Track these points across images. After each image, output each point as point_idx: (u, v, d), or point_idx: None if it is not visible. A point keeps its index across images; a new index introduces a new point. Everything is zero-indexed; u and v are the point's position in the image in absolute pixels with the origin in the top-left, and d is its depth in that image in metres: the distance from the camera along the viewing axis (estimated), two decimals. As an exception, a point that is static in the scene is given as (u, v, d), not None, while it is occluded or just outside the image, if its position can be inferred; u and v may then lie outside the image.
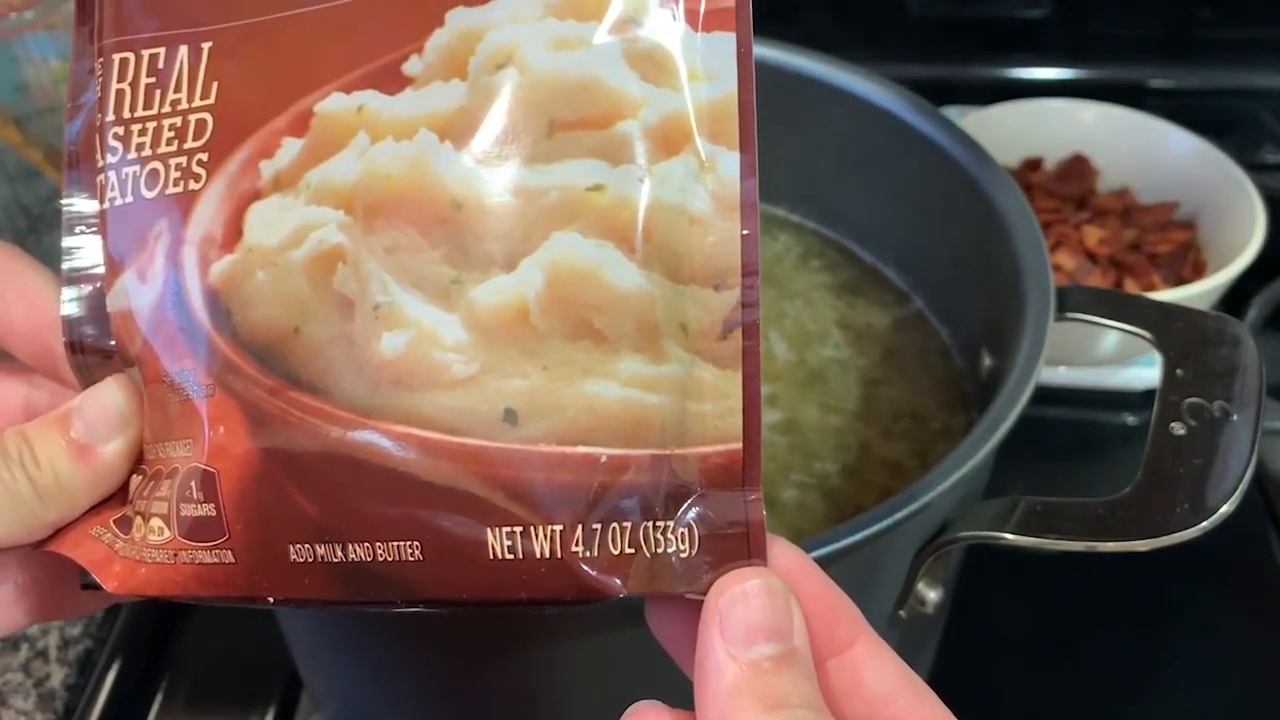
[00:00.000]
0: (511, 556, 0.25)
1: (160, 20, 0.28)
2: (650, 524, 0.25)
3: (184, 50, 0.28)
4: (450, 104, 0.25)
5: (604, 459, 0.24)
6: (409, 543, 0.25)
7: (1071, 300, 0.47)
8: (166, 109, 0.28)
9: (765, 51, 0.61)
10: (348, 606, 0.26)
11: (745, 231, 0.24)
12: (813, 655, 0.24)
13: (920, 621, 0.45)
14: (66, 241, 0.29)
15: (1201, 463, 0.39)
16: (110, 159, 0.28)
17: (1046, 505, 0.39)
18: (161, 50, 0.28)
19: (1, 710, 0.55)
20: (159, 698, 0.60)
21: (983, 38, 0.96)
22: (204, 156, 0.27)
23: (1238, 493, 0.37)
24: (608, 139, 0.25)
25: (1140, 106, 0.80)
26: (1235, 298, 0.72)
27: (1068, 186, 0.79)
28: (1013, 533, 0.39)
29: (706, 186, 0.24)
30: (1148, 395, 0.64)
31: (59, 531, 0.29)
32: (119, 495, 0.29)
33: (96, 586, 0.28)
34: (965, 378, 0.58)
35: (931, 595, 0.43)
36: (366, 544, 0.25)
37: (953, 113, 0.68)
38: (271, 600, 0.26)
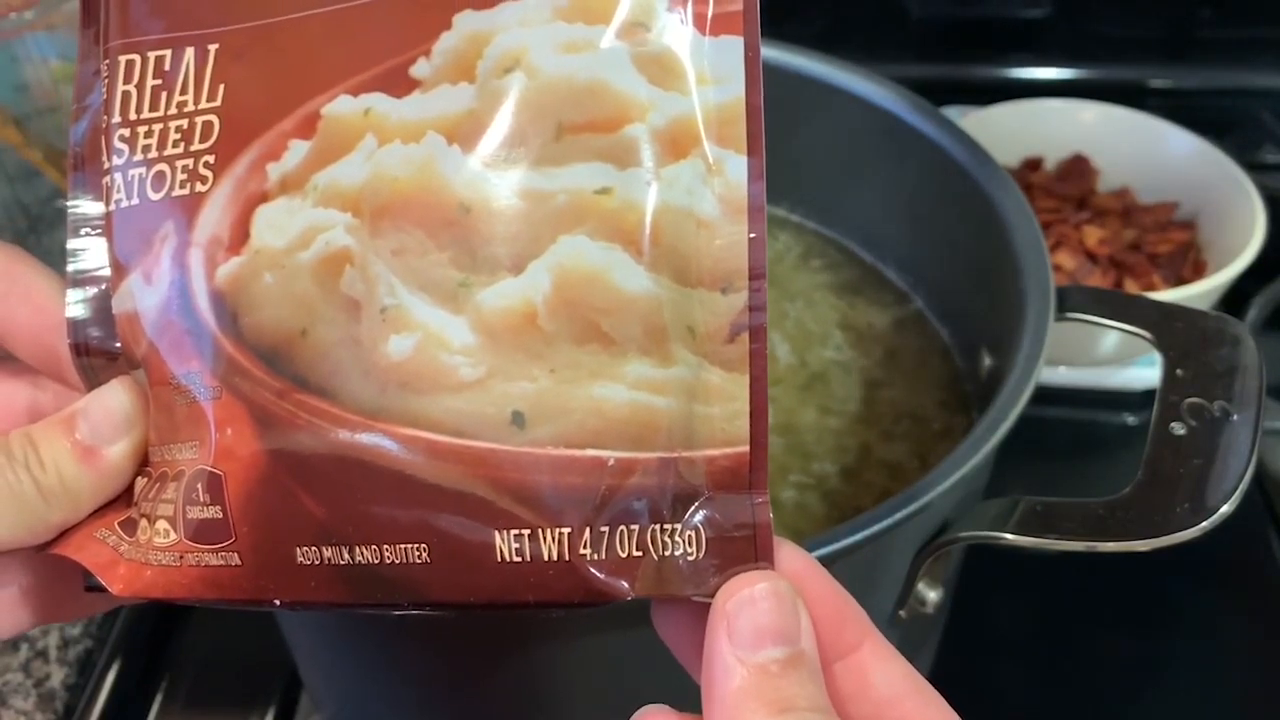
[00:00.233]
0: (519, 559, 0.25)
1: (166, 22, 0.28)
2: (658, 527, 0.25)
3: (190, 52, 0.28)
4: (458, 107, 0.25)
5: (611, 462, 0.24)
6: (416, 545, 0.25)
7: (1071, 300, 0.47)
8: (173, 111, 0.28)
9: (765, 52, 0.60)
10: (354, 609, 0.26)
11: (753, 235, 0.24)
12: (820, 658, 0.24)
13: (920, 621, 0.45)
14: (71, 243, 0.29)
15: (1201, 463, 0.39)
16: (116, 161, 0.28)
17: (1046, 505, 0.39)
18: (168, 52, 0.28)
19: (1, 710, 0.55)
20: (159, 698, 0.60)
21: (983, 38, 0.96)
22: (211, 159, 0.27)
23: (1238, 493, 0.38)
24: (615, 142, 0.25)
25: (1140, 106, 0.80)
26: (1235, 298, 0.72)
27: (1068, 186, 0.79)
28: (1013, 533, 0.39)
29: (714, 190, 0.24)
30: (1148, 395, 0.64)
31: (64, 534, 0.28)
32: (124, 498, 0.29)
33: (101, 589, 0.28)
34: (965, 378, 0.58)
35: (931, 595, 0.44)
36: (374, 546, 0.25)
37: (953, 113, 0.68)
38: (278, 603, 0.26)
